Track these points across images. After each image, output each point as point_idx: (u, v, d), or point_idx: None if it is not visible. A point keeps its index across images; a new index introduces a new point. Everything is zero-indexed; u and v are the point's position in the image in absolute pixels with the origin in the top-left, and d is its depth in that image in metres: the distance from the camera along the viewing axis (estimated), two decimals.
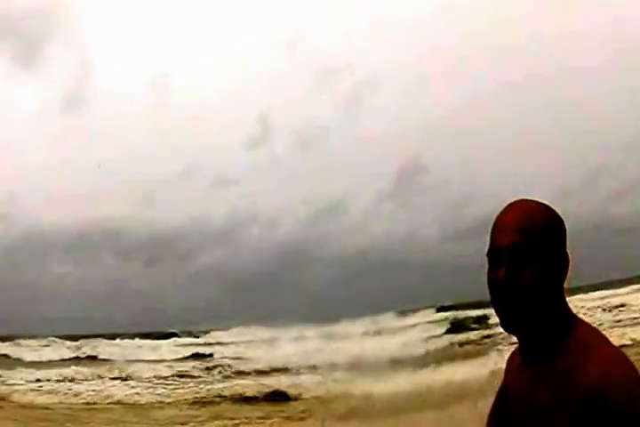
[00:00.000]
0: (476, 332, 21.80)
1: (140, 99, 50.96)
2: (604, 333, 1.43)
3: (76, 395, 15.96)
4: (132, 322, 36.43)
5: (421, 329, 24.37)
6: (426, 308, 29.09)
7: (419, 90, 44.95)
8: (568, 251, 1.45)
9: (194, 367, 19.84)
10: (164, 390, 16.26)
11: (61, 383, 17.15)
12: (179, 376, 18.24)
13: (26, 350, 26.34)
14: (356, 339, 21.76)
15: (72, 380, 17.60)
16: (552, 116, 43.19)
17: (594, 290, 23.76)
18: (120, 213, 40.74)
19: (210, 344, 27.55)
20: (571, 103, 41.26)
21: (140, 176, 42.57)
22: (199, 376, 18.36)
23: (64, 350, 26.29)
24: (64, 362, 23.11)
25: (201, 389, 16.22)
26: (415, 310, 28.69)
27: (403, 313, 28.04)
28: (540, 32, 42.29)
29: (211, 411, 13.98)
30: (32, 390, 16.28)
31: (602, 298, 22.55)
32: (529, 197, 1.48)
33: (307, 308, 32.92)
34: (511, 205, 1.46)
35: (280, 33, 52.52)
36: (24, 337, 28.05)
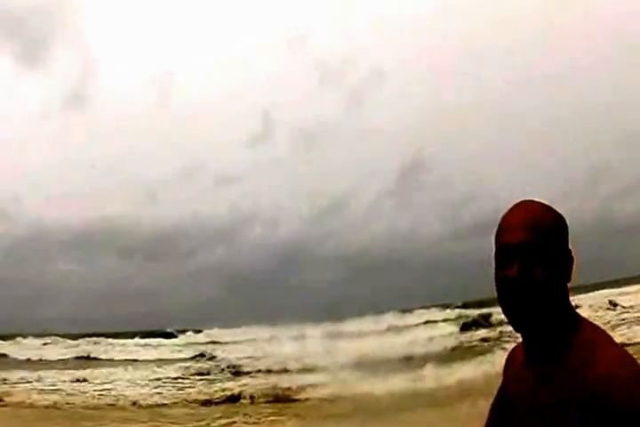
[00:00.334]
0: (480, 330, 21.73)
1: (143, 97, 50.93)
2: (608, 332, 1.43)
3: (76, 394, 15.90)
4: (134, 320, 36.46)
5: (425, 328, 24.28)
6: (429, 306, 29.02)
7: (420, 88, 44.78)
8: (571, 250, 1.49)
9: (194, 366, 19.80)
10: (164, 390, 16.24)
11: (62, 383, 17.10)
12: (179, 376, 18.19)
13: (26, 348, 26.33)
14: (359, 338, 21.65)
15: (73, 379, 17.56)
16: (554, 114, 43.25)
17: (596, 289, 23.86)
18: (122, 212, 40.88)
19: (211, 343, 27.50)
20: (572, 102, 41.29)
21: (142, 174, 42.75)
22: (200, 375, 18.30)
23: (65, 348, 26.27)
24: (65, 361, 23.11)
25: (202, 388, 16.18)
26: (418, 309, 28.61)
27: (406, 312, 27.98)
28: (542, 29, 42.30)
29: (212, 410, 13.94)
30: (32, 389, 16.24)
31: (605, 297, 22.58)
32: (531, 197, 1.51)
33: (309, 306, 32.83)
34: (517, 205, 1.49)
35: (282, 31, 52.33)
36: (25, 336, 28.09)
